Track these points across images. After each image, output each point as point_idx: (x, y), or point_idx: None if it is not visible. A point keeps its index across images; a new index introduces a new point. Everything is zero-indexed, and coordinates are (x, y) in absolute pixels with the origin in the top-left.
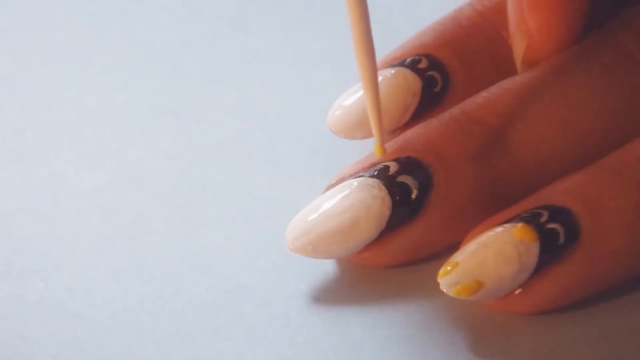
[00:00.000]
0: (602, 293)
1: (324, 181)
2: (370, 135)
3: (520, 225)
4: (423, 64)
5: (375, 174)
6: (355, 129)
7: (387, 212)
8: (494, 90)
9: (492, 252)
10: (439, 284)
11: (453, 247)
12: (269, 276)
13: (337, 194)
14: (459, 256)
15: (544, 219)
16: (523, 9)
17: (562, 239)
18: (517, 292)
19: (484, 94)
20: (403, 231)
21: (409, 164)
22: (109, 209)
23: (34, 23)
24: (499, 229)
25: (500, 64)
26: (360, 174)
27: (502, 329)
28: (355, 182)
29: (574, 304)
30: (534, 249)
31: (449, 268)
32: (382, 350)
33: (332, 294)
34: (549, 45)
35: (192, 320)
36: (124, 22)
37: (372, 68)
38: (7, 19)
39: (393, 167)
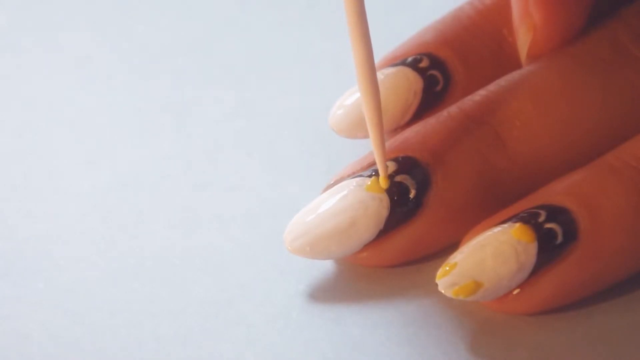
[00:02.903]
0: (601, 293)
1: (323, 181)
2: None
3: (518, 225)
4: (424, 63)
5: (374, 173)
6: (357, 128)
7: (385, 212)
8: (492, 88)
9: (490, 252)
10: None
11: (452, 246)
12: (269, 276)
13: (335, 195)
14: (457, 257)
15: (542, 218)
16: (528, 1)
17: (560, 239)
18: (515, 292)
19: (482, 92)
20: (401, 231)
21: (406, 164)
22: (109, 209)
23: (34, 23)
24: (497, 229)
25: (501, 63)
26: (359, 174)
27: (501, 329)
28: (353, 182)
29: (572, 303)
30: (532, 249)
31: (447, 269)
32: (382, 350)
33: (332, 294)
34: (554, 37)
35: (192, 320)
36: (124, 23)
37: (377, 107)
38: (7, 19)
39: (391, 166)
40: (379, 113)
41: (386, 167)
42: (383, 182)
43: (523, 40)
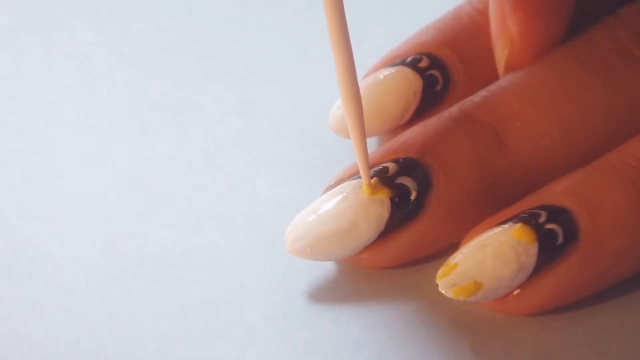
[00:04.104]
0: (601, 293)
1: (324, 181)
2: (370, 134)
3: (518, 225)
4: (424, 63)
5: (375, 175)
6: None
7: (386, 214)
8: (493, 89)
9: (490, 252)
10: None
11: (452, 247)
12: (269, 276)
13: (335, 196)
14: (458, 257)
15: (542, 219)
16: (505, 15)
17: (560, 240)
18: (515, 292)
19: (482, 92)
20: (402, 232)
21: (407, 165)
22: (109, 209)
23: (34, 23)
24: (497, 230)
25: None
26: (359, 175)
27: (502, 329)
28: (354, 184)
29: (573, 303)
30: (533, 249)
31: (447, 269)
32: (382, 350)
33: (332, 294)
34: (532, 50)
35: (192, 320)
36: (124, 22)
37: (358, 109)
38: (7, 19)
39: (392, 168)
40: (361, 123)
41: (369, 174)
42: (367, 190)
43: (500, 53)
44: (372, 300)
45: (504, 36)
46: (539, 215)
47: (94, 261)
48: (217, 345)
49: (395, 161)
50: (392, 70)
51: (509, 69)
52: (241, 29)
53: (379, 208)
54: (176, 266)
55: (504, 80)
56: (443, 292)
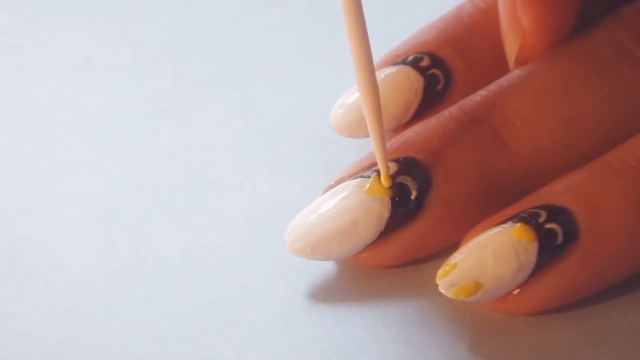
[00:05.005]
0: (601, 293)
1: (324, 181)
2: None
3: (518, 225)
4: (425, 62)
5: (375, 174)
6: (357, 127)
7: (386, 214)
8: (493, 88)
9: (490, 252)
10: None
11: (452, 247)
12: (269, 276)
13: (336, 195)
14: (458, 257)
15: (542, 219)
16: (516, 6)
17: (560, 239)
18: (515, 292)
19: (482, 92)
20: (402, 232)
21: (407, 165)
22: (109, 209)
23: (34, 23)
24: (497, 229)
25: (502, 61)
26: (360, 174)
27: (501, 329)
28: (354, 183)
29: (573, 303)
30: (533, 249)
31: (447, 269)
32: (382, 350)
33: (332, 294)
34: (543, 42)
35: (192, 320)
36: (124, 22)
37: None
38: (7, 19)
39: (392, 167)
40: (379, 111)
41: (387, 166)
42: (385, 181)
43: (511, 45)
44: (372, 300)
45: (515, 28)
46: (539, 215)
47: (94, 261)
48: (217, 345)
49: (396, 160)
50: (393, 69)
51: (520, 62)
52: (241, 29)
53: (380, 207)
54: (176, 266)
55: (504, 80)
56: (443, 292)
